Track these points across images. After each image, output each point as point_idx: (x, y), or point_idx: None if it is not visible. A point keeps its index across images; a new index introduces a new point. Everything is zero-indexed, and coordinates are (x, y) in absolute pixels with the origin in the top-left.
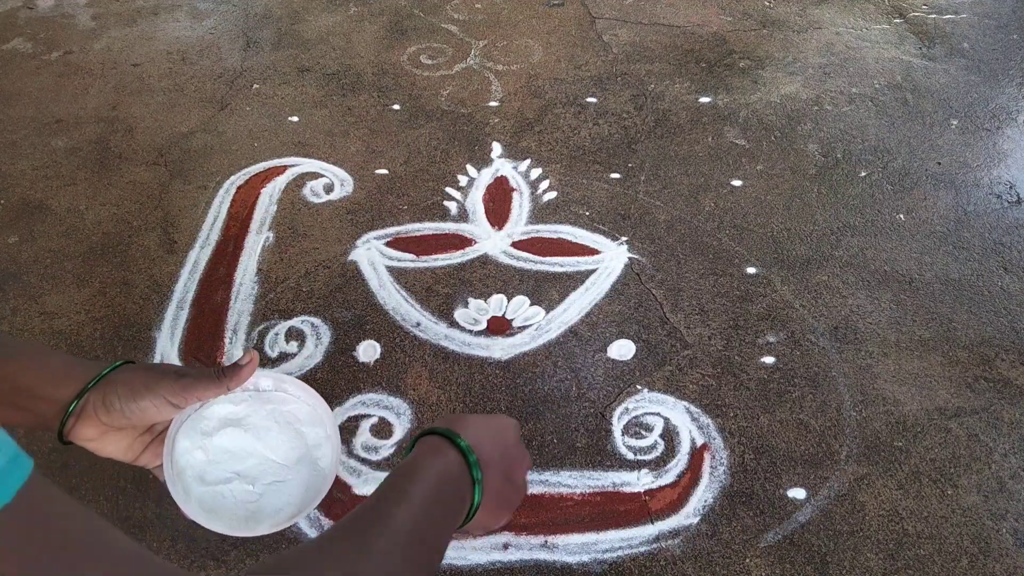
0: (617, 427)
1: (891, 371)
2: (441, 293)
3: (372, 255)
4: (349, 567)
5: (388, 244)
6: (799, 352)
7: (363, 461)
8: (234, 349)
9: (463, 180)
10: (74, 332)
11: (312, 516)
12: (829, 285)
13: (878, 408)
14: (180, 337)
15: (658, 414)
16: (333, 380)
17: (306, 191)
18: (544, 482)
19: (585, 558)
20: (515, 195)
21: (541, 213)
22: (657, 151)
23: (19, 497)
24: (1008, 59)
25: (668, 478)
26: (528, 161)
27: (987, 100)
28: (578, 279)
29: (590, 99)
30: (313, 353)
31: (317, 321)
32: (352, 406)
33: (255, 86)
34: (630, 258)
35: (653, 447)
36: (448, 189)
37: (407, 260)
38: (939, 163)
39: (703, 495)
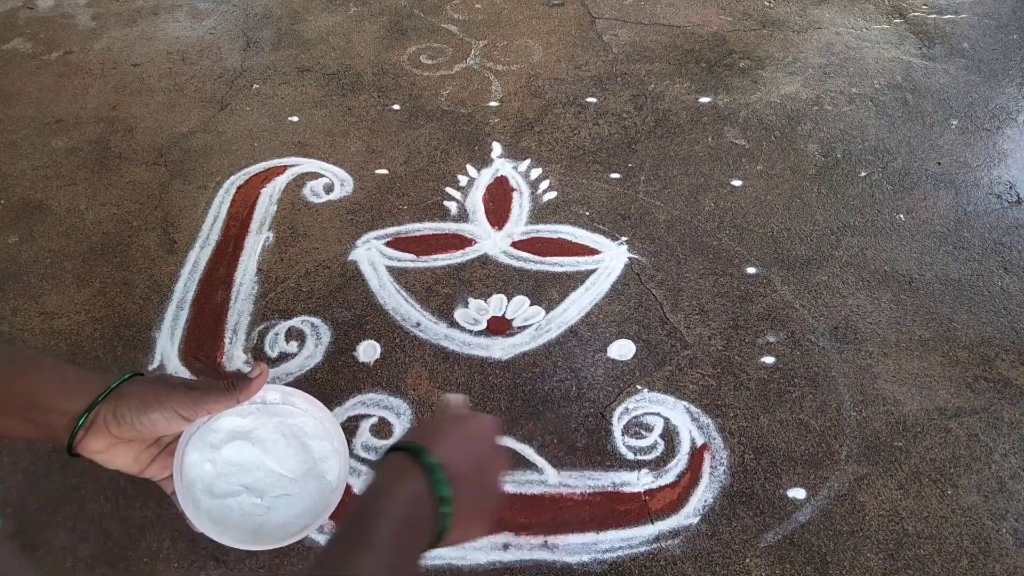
0: (617, 427)
1: (891, 371)
2: (441, 293)
3: (372, 255)
4: None
5: (388, 244)
6: (799, 352)
7: (363, 461)
8: (234, 349)
9: (463, 180)
10: (74, 332)
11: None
12: (829, 285)
13: (878, 408)
14: (180, 337)
15: (658, 414)
16: (333, 380)
17: (306, 191)
18: (544, 482)
19: (585, 558)
20: (515, 195)
21: (541, 213)
22: (657, 151)
23: None
24: (1008, 59)
25: (668, 478)
26: (528, 161)
27: (987, 100)
28: (578, 279)
29: (590, 99)
30: (313, 353)
31: (317, 321)
32: (352, 406)
33: (255, 86)
34: (630, 258)
35: (653, 447)
36: (448, 189)
37: (407, 260)
38: (939, 163)
39: (703, 495)
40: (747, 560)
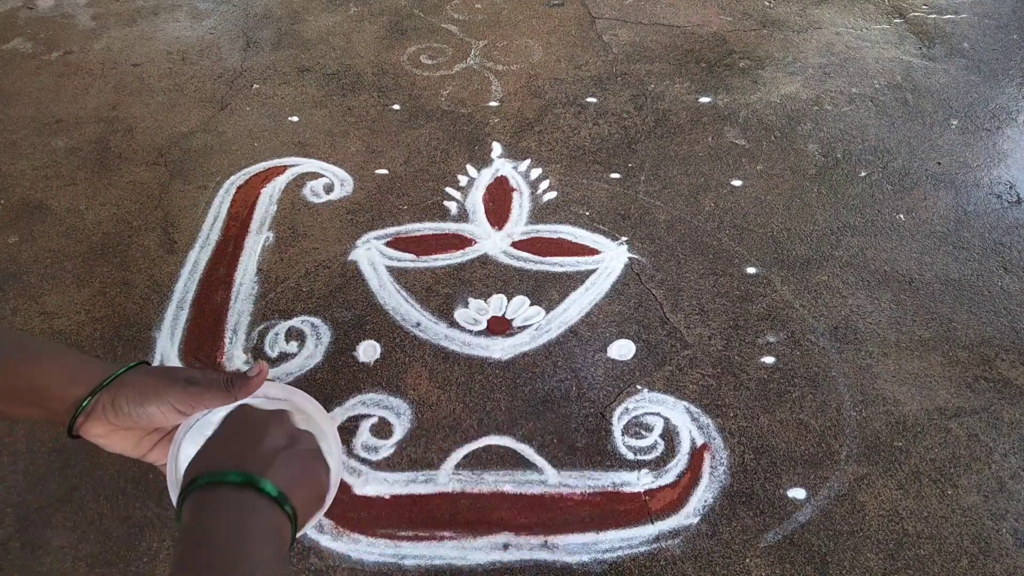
0: (617, 427)
1: (891, 371)
2: (441, 293)
3: (372, 255)
4: None
5: (388, 244)
6: (799, 352)
7: (363, 461)
8: (234, 349)
9: (463, 180)
10: (74, 332)
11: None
12: (829, 285)
13: (878, 408)
14: (180, 337)
15: (658, 414)
16: (333, 380)
17: (306, 191)
18: (544, 482)
19: (585, 558)
20: (515, 195)
21: (541, 213)
22: (657, 151)
23: None
24: (1008, 59)
25: (668, 478)
26: (528, 161)
27: (987, 100)
28: (578, 279)
29: (590, 99)
30: (313, 353)
31: (317, 321)
32: (352, 406)
33: (255, 86)
34: (630, 258)
35: (653, 447)
36: (448, 189)
37: (407, 260)
38: (939, 163)
39: (703, 495)
40: (747, 560)
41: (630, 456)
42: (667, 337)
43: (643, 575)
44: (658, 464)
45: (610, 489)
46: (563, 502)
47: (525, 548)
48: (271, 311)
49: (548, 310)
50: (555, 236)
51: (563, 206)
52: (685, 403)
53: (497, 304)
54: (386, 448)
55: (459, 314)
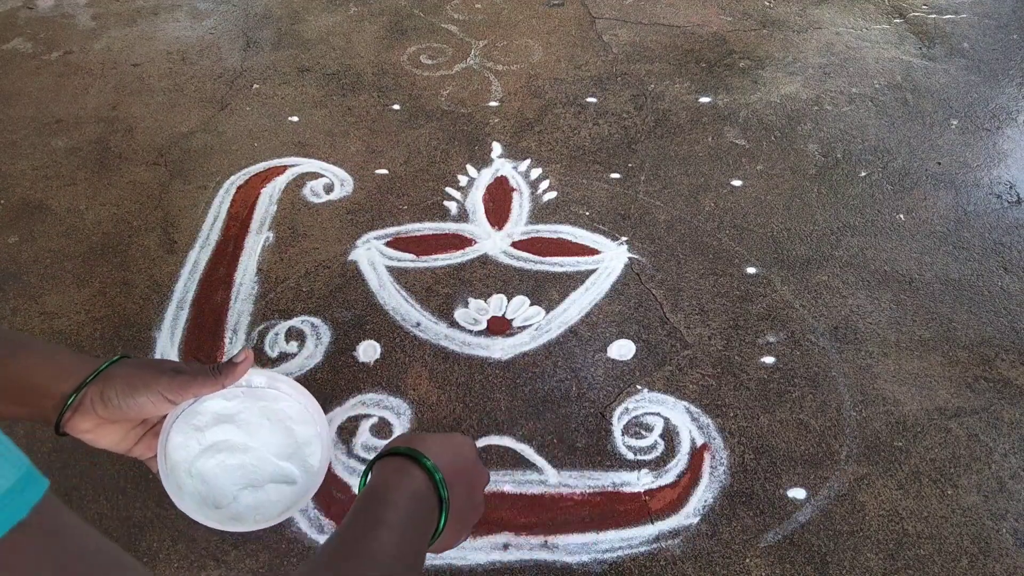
0: (617, 427)
1: (891, 371)
2: (441, 293)
3: (372, 255)
4: None
5: (388, 244)
6: (799, 352)
7: (363, 461)
8: (234, 349)
9: (463, 180)
10: (74, 332)
11: (311, 516)
12: (829, 285)
13: (878, 408)
14: (180, 337)
15: (658, 414)
16: (333, 380)
17: (306, 191)
18: (544, 482)
19: (585, 558)
20: (515, 195)
21: (541, 213)
22: (657, 151)
23: (34, 513)
24: (1008, 59)
25: (668, 478)
26: (528, 161)
27: (987, 100)
28: (578, 279)
29: (590, 99)
30: (313, 353)
31: (317, 321)
32: (352, 406)
33: (255, 86)
34: (630, 258)
35: (653, 447)
36: (448, 189)
37: (407, 260)
38: (939, 163)
39: (703, 495)
40: (747, 560)
41: (630, 456)
42: (667, 337)
43: (643, 575)
44: (658, 464)
45: (610, 489)
46: (563, 502)
47: (525, 548)
48: (271, 311)
49: (548, 310)
50: (555, 236)
51: (563, 206)
52: (685, 403)
53: (497, 304)
54: (380, 452)
55: (459, 314)
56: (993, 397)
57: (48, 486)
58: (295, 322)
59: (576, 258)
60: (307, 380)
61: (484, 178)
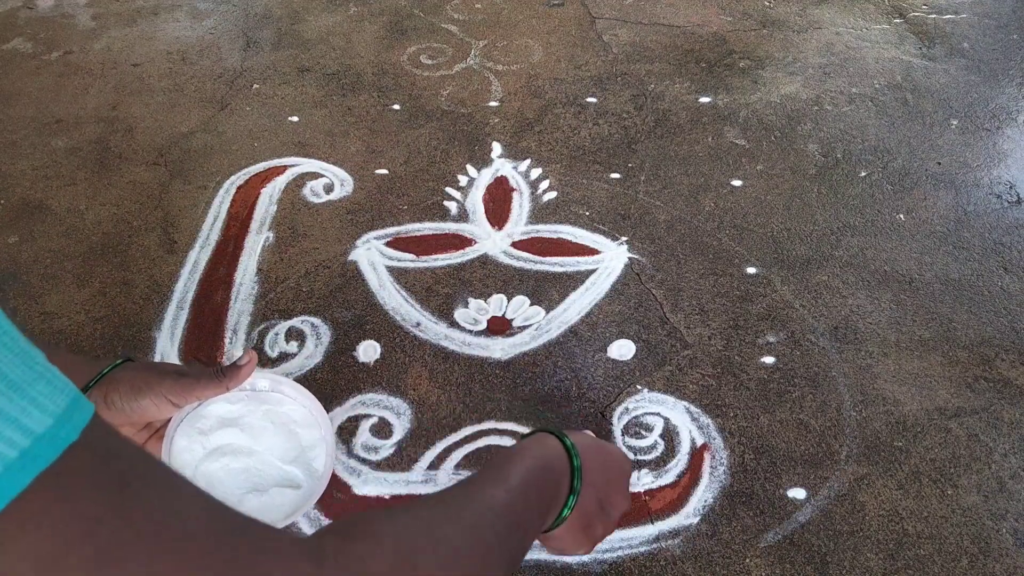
0: (617, 427)
1: (891, 371)
2: (441, 293)
3: (372, 255)
4: (437, 530)
5: (388, 244)
6: (799, 352)
7: (363, 461)
8: (234, 349)
9: (463, 180)
10: (74, 332)
11: (312, 516)
12: (829, 285)
13: (878, 408)
14: (180, 337)
15: (658, 414)
16: (333, 380)
17: (306, 191)
18: None
19: (585, 558)
20: (515, 195)
21: (541, 213)
22: (657, 151)
23: (84, 435)
24: (1008, 59)
25: (668, 478)
26: (528, 161)
27: (987, 100)
28: (578, 279)
29: (590, 99)
30: (313, 353)
31: (317, 321)
32: (352, 406)
33: (255, 86)
34: (630, 258)
35: (653, 447)
36: (448, 189)
37: (407, 260)
38: (939, 163)
39: (703, 495)
40: (747, 560)
41: (630, 456)
42: (667, 337)
43: (643, 575)
44: (658, 464)
45: None
46: None
47: None
48: (271, 311)
49: (548, 310)
50: (555, 236)
51: (563, 206)
52: (685, 403)
53: (497, 304)
54: (386, 448)
55: (459, 314)
56: (993, 397)
57: (94, 409)
58: (295, 322)
59: (576, 258)
60: (307, 380)
61: (484, 178)
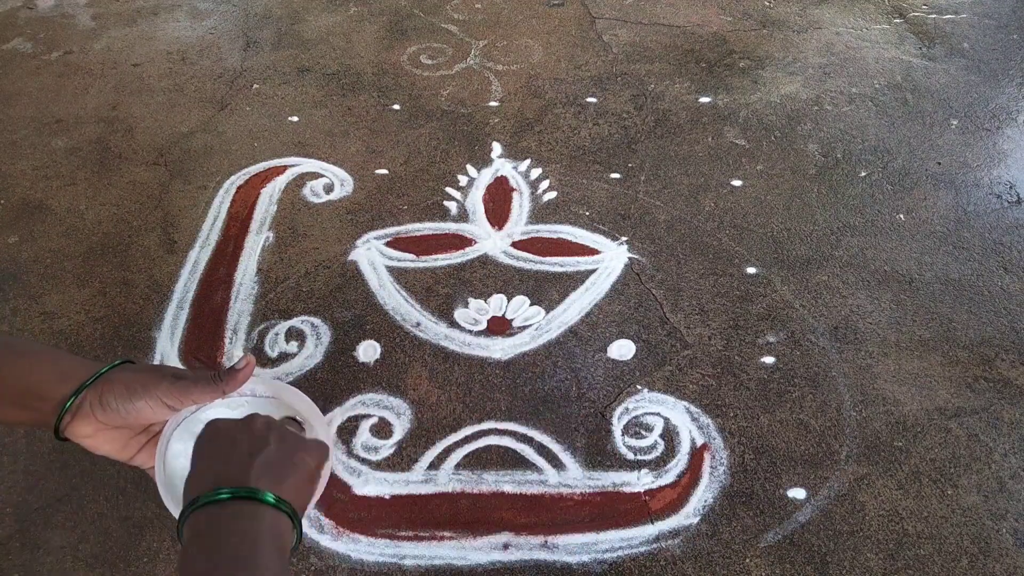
0: (617, 427)
1: (891, 371)
2: (441, 293)
3: (372, 255)
4: None
5: (388, 244)
6: (799, 352)
7: (363, 461)
8: (234, 349)
9: (463, 180)
10: (74, 332)
11: (312, 516)
12: (829, 285)
13: (878, 408)
14: (180, 337)
15: (658, 414)
16: (333, 380)
17: (306, 191)
18: (544, 482)
19: (585, 558)
20: (515, 195)
21: (541, 213)
22: (657, 151)
23: None
24: (1008, 59)
25: (668, 478)
26: (528, 161)
27: (987, 100)
28: (578, 279)
29: (590, 99)
30: (313, 353)
31: (317, 321)
32: (352, 406)
33: (255, 86)
34: (630, 258)
35: (653, 447)
36: (448, 189)
37: (407, 260)
38: (939, 163)
39: (703, 495)
40: (747, 560)
41: (630, 456)
42: (667, 337)
43: (643, 575)
44: (658, 464)
45: (610, 489)
46: (563, 502)
47: (525, 548)
48: (271, 311)
49: (548, 310)
50: (555, 236)
51: (563, 206)
52: (685, 403)
53: (497, 304)
54: (386, 448)
55: (459, 314)
56: (993, 397)
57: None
58: (295, 322)
59: (576, 258)
60: (307, 380)
61: (484, 178)
